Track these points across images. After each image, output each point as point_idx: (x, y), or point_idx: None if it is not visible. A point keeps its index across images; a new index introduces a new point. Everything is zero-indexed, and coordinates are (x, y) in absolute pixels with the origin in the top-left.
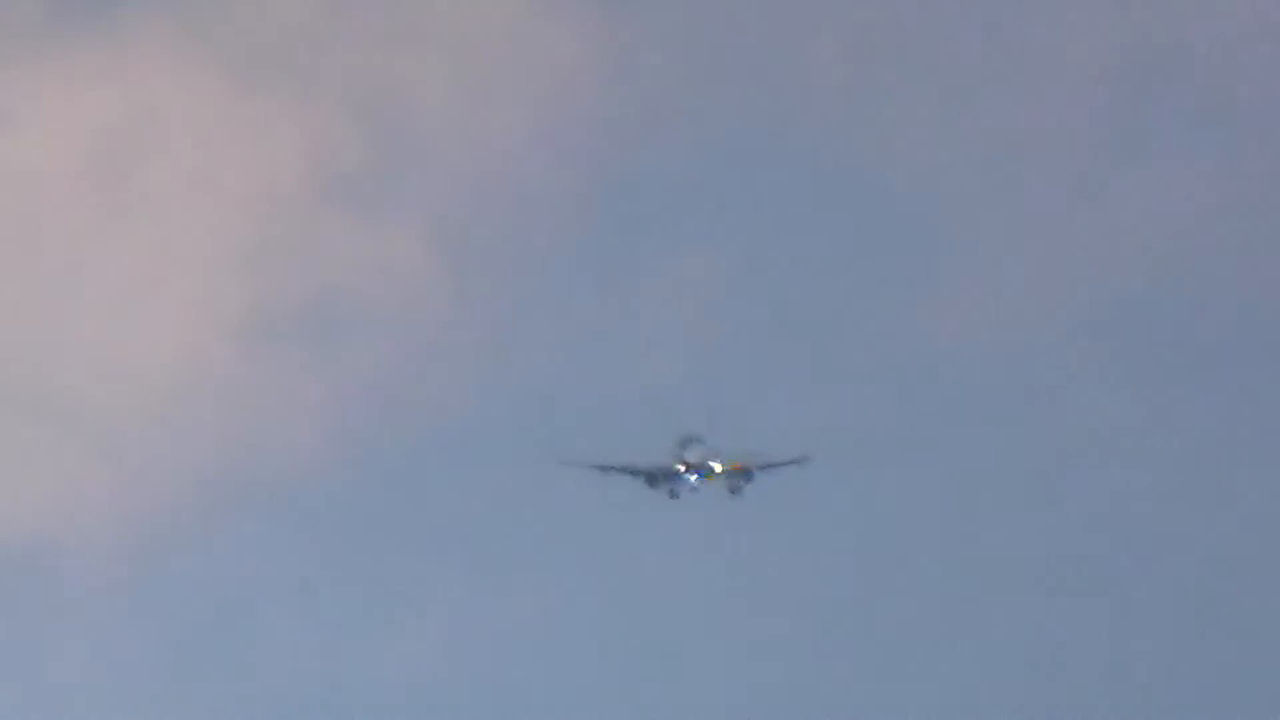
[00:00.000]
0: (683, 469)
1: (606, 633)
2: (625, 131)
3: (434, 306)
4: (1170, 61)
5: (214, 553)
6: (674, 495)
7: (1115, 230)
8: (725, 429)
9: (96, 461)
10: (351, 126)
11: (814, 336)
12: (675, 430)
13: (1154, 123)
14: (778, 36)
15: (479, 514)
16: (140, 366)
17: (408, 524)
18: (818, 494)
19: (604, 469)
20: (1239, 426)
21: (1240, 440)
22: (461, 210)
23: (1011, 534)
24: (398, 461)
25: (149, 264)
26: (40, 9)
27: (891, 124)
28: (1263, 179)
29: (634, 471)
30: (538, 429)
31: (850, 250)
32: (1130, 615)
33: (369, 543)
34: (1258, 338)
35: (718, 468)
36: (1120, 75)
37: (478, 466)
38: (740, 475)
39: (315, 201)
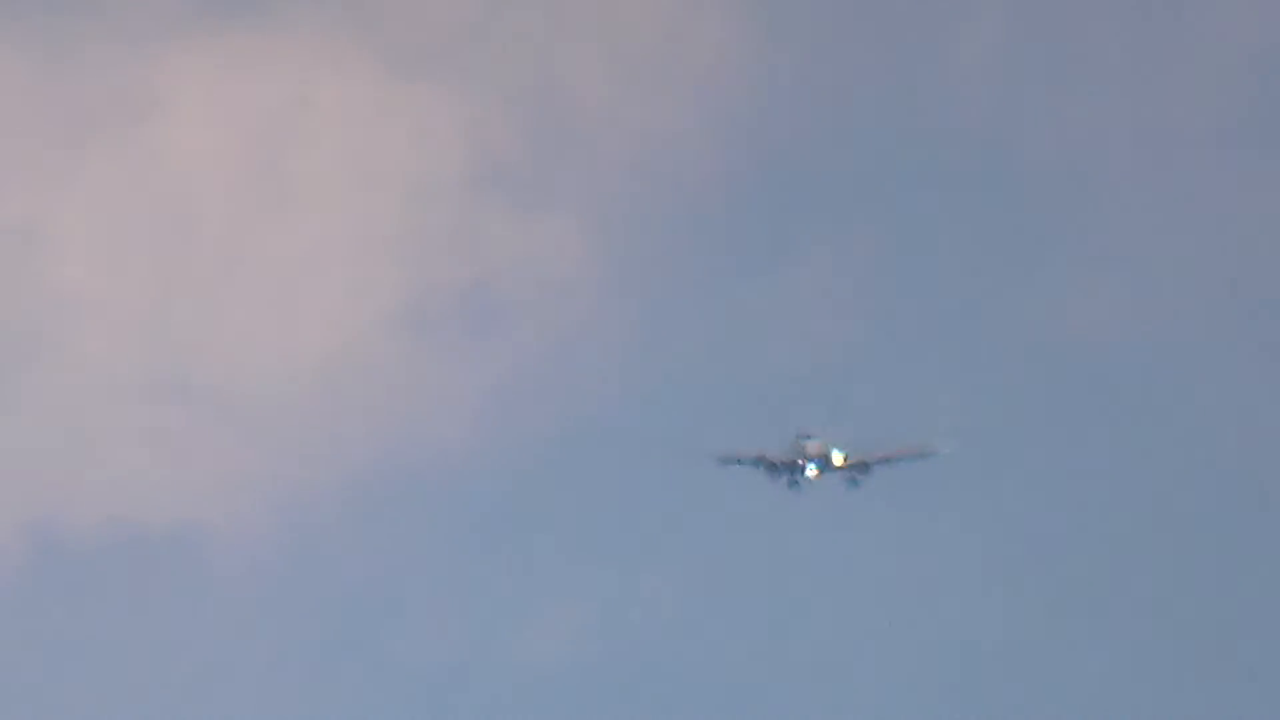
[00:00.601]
0: (802, 461)
1: (744, 624)
2: (777, 121)
3: (587, 296)
4: None
5: (364, 540)
6: (794, 487)
7: (1263, 224)
8: (855, 419)
9: (248, 449)
10: (507, 117)
11: (957, 326)
12: (798, 421)
13: None
14: (930, 21)
15: (628, 504)
16: (293, 355)
17: (556, 515)
18: (947, 488)
19: (725, 461)
20: None
21: None
22: (615, 200)
23: (1152, 532)
24: (548, 452)
25: (303, 253)
26: None
27: (1042, 111)
28: None
29: (755, 462)
30: (689, 418)
31: (997, 238)
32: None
33: (517, 533)
34: None
35: (837, 460)
36: (1268, 67)
37: (628, 457)
38: (859, 469)
39: (470, 191)
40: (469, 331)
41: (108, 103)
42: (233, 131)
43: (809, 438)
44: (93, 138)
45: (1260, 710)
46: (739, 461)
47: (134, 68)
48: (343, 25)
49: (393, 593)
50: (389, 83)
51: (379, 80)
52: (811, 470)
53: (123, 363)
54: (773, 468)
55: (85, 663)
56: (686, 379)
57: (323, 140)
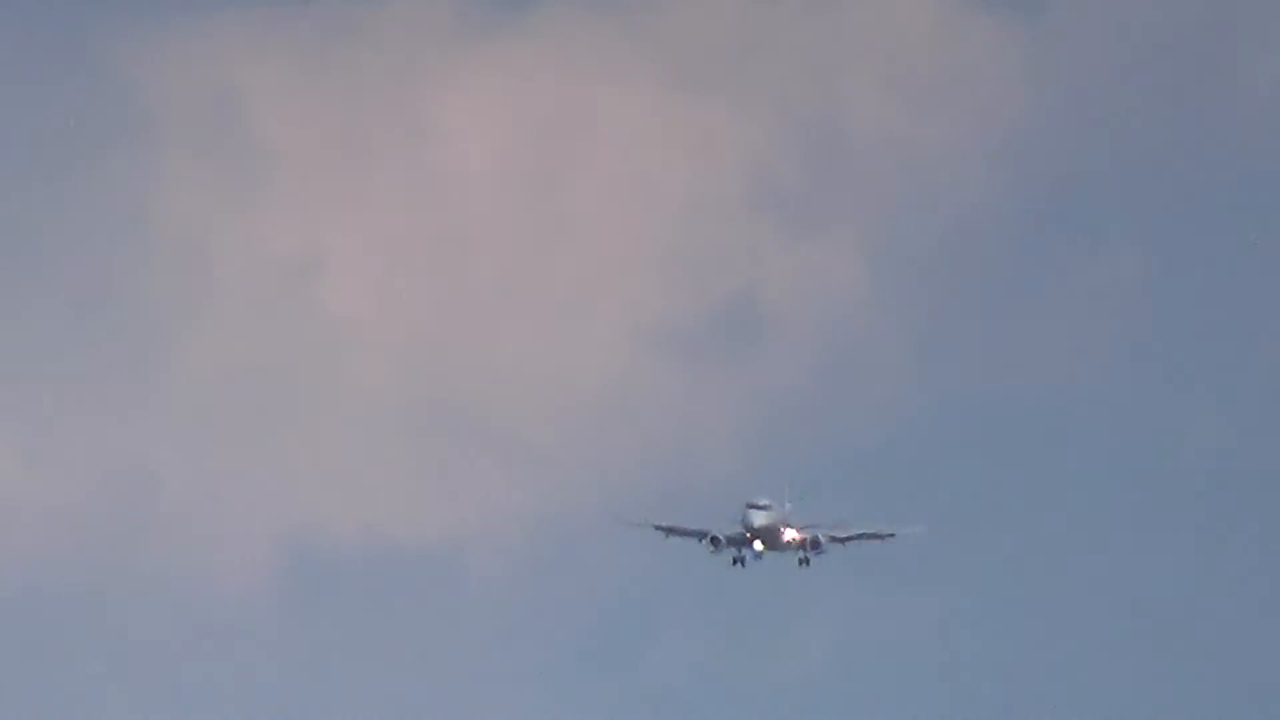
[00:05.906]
0: (749, 535)
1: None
2: (1053, 143)
3: (859, 315)
4: None
5: (618, 559)
6: (739, 563)
7: None
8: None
9: (513, 468)
10: (786, 135)
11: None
12: (745, 494)
13: None
14: (1210, 38)
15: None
16: (564, 375)
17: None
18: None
19: (666, 531)
20: None
21: None
22: (889, 220)
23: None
24: (812, 472)
25: (577, 273)
26: (450, 11)
27: None
28: None
29: (697, 535)
30: (968, 435)
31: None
32: None
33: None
34: None
35: (788, 536)
36: None
37: (903, 474)
38: (810, 546)
39: (748, 209)
40: (742, 351)
41: (381, 128)
42: (507, 150)
43: (759, 508)
44: (367, 164)
45: None
46: (679, 533)
47: (405, 90)
48: (611, 33)
49: (647, 614)
50: (668, 94)
51: (657, 91)
52: (759, 546)
53: (394, 385)
54: (716, 542)
55: (341, 671)
56: (962, 398)
57: (595, 157)
